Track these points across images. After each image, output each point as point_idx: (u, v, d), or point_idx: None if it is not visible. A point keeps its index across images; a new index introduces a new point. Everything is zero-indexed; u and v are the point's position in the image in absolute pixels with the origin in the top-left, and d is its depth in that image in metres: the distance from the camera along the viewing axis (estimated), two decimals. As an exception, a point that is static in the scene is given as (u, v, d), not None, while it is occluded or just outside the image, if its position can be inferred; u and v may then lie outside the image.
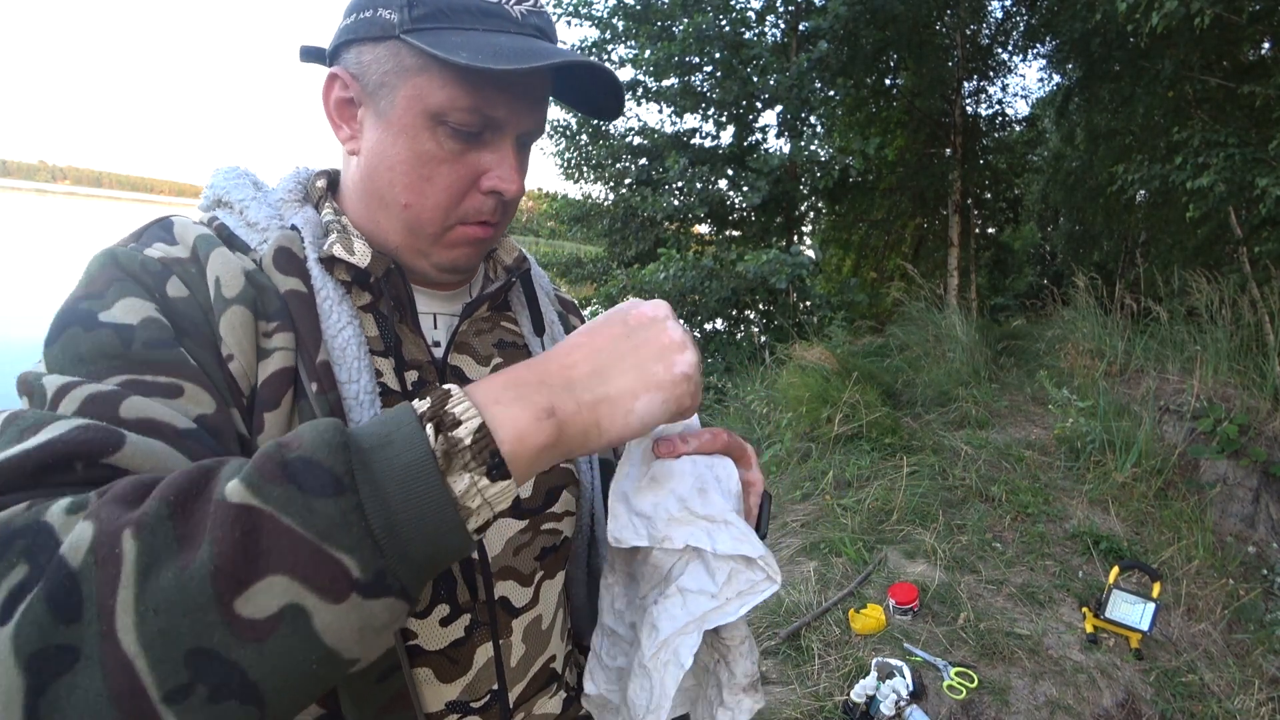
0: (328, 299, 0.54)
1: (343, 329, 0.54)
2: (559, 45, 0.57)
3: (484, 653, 0.59)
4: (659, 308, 0.48)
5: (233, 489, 0.32)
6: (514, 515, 0.61)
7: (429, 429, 0.36)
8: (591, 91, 0.59)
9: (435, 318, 0.64)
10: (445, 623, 0.57)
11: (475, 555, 0.58)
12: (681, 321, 0.48)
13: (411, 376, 0.59)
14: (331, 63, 0.58)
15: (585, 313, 0.85)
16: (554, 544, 0.65)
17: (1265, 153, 4.27)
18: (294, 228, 0.57)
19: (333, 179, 0.65)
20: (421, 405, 0.38)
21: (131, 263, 0.49)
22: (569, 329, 0.74)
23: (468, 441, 0.36)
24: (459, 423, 0.37)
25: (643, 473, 0.53)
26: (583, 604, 0.72)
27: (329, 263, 0.56)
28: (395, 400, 0.56)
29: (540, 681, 0.65)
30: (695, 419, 0.56)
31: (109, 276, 0.48)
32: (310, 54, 0.60)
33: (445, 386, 0.39)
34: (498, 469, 0.37)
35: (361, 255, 0.56)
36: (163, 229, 0.54)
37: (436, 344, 0.63)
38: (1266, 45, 5.77)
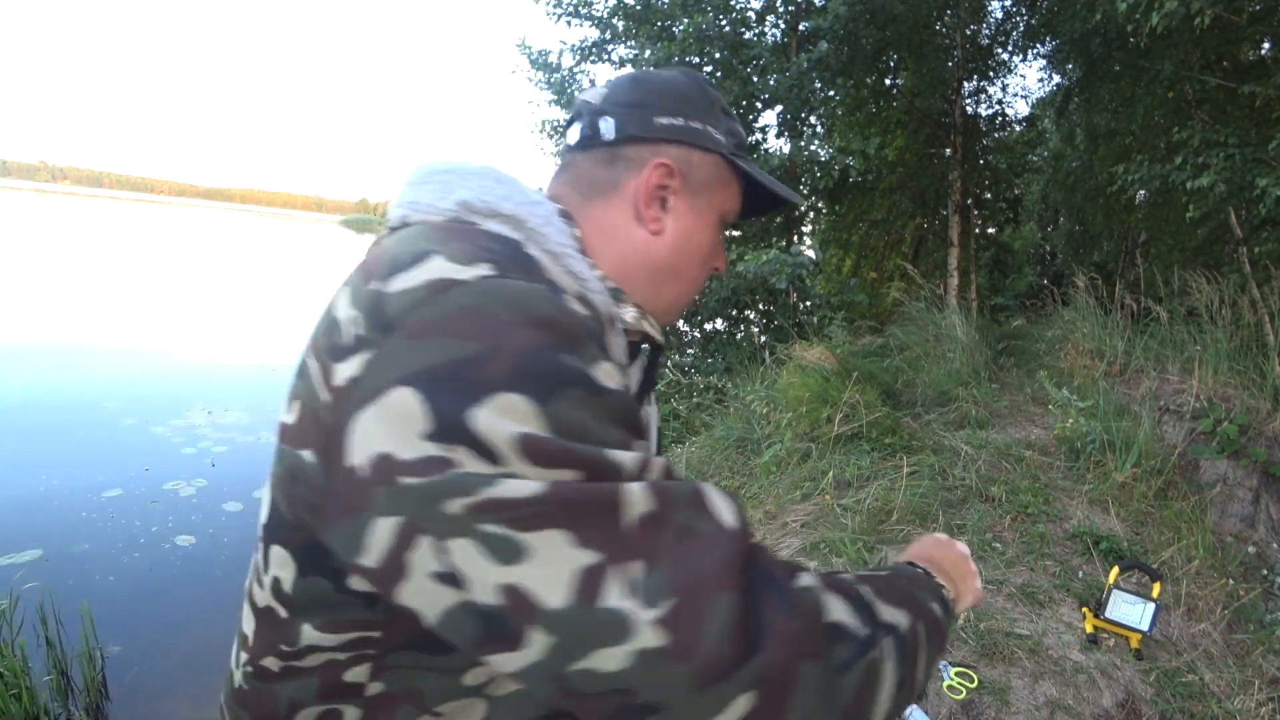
0: (632, 374, 0.63)
1: (648, 408, 0.68)
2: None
3: None
4: (962, 550, 0.73)
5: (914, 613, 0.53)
6: None
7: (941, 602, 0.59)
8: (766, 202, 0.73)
9: None
10: None
11: None
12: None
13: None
14: (641, 144, 0.62)
15: None
16: None
17: (1265, 153, 4.27)
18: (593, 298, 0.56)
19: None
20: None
21: (564, 310, 0.45)
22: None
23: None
24: (944, 597, 0.61)
25: None
26: None
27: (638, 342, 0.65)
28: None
29: None
30: None
31: (564, 329, 0.43)
32: (616, 131, 0.63)
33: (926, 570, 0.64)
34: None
35: (655, 330, 0.64)
36: (524, 261, 0.49)
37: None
38: (1266, 45, 5.77)
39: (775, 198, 0.70)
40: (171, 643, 3.04)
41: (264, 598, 0.52)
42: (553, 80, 8.15)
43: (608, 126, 0.62)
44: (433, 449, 0.39)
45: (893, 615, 0.49)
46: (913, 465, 3.57)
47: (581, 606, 0.37)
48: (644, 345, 0.66)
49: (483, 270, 0.44)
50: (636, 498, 0.39)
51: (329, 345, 0.46)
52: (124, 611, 3.20)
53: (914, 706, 2.01)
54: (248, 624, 0.54)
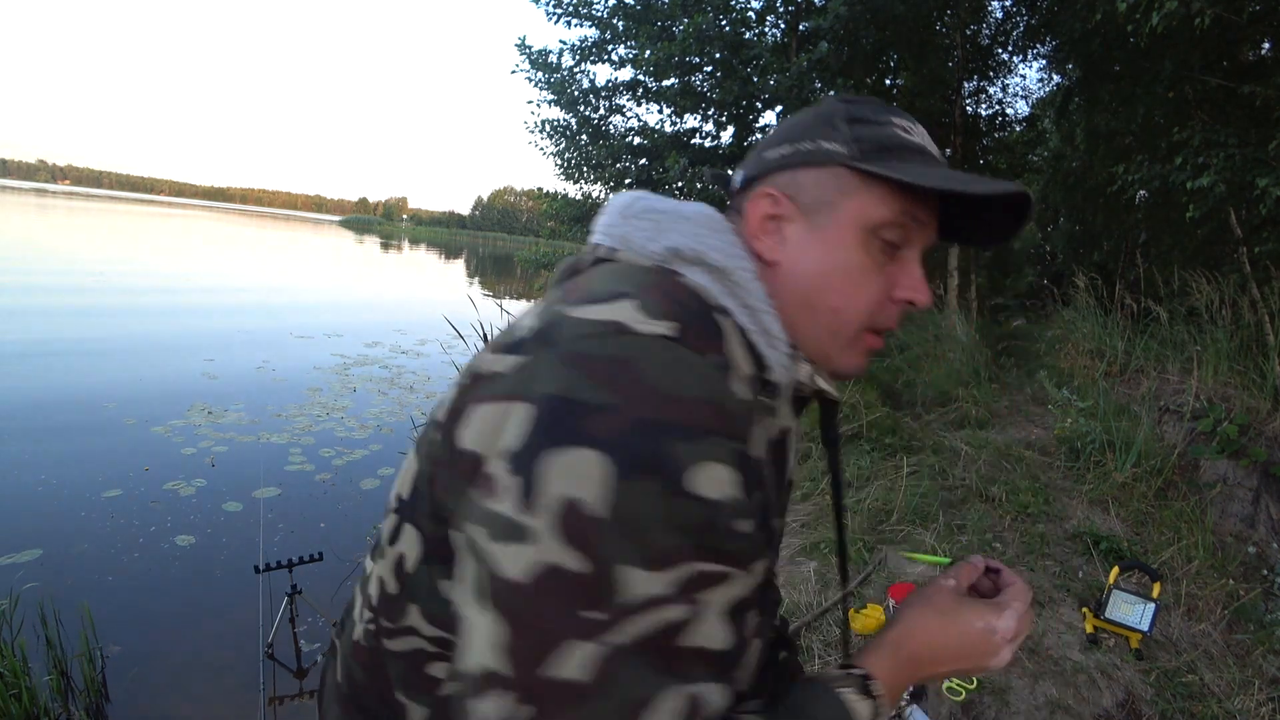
0: (790, 444, 0.62)
1: (793, 468, 0.64)
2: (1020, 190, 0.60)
3: None
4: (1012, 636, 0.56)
5: None
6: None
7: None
8: (987, 217, 0.62)
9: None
10: None
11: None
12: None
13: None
14: (755, 183, 0.62)
15: None
16: None
17: (1265, 153, 4.27)
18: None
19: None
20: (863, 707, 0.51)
21: (715, 394, 0.43)
22: None
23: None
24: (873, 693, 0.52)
25: None
26: None
27: (803, 396, 0.62)
28: None
29: None
30: None
31: (697, 415, 0.41)
32: (741, 180, 0.64)
33: (865, 676, 0.52)
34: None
35: (828, 385, 0.63)
36: (709, 327, 0.48)
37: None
38: (1266, 45, 5.77)
39: (973, 195, 0.57)
40: (171, 643, 3.03)
41: (384, 568, 0.56)
42: (553, 80, 8.15)
43: (737, 177, 0.65)
44: (499, 468, 0.42)
45: None
46: (913, 465, 3.58)
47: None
48: (813, 399, 0.65)
49: (662, 329, 0.45)
50: (576, 659, 0.38)
51: (498, 340, 0.51)
52: (124, 612, 3.19)
53: (914, 706, 2.01)
54: (372, 584, 0.58)
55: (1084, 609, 2.54)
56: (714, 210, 0.60)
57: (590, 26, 7.96)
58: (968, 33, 8.97)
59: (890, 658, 0.54)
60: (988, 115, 10.02)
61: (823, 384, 0.61)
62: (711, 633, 0.42)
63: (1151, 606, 2.32)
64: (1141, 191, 5.79)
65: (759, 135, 8.30)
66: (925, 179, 0.54)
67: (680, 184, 7.70)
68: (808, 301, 0.57)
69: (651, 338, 0.44)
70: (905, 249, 0.59)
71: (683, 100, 7.88)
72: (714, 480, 0.40)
